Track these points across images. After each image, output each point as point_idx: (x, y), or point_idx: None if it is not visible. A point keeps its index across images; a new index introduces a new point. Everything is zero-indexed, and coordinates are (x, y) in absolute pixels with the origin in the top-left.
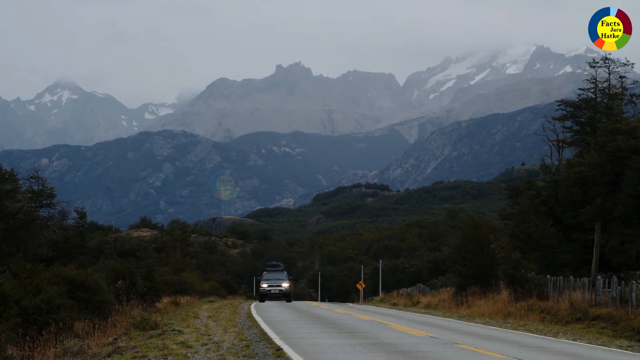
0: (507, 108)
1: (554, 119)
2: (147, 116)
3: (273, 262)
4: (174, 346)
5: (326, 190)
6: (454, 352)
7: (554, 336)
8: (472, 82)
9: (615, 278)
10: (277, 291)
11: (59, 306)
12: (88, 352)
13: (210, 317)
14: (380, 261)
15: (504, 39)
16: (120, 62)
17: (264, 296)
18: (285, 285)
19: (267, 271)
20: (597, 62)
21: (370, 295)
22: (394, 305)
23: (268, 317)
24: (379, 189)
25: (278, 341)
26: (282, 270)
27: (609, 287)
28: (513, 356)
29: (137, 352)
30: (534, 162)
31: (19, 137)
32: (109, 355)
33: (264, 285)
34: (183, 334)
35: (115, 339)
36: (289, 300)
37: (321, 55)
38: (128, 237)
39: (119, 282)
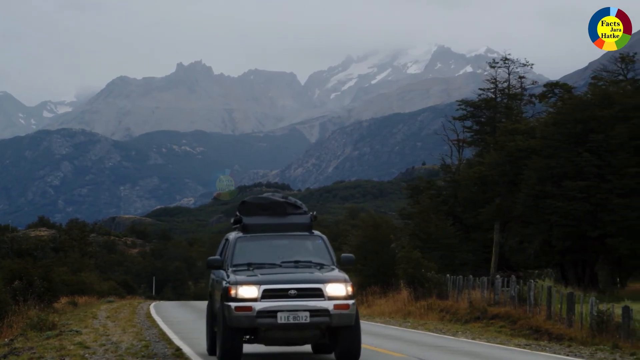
0: (408, 107)
1: (454, 118)
2: (46, 114)
3: (266, 195)
4: (72, 347)
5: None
6: None
7: (453, 335)
8: (373, 82)
9: (513, 277)
10: (305, 319)
11: None
12: None
13: (108, 317)
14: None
15: (405, 39)
16: (17, 59)
17: (231, 337)
18: (335, 289)
19: (243, 233)
20: (497, 63)
21: None
22: None
23: (167, 317)
24: (280, 188)
25: (177, 341)
26: (309, 226)
27: (507, 286)
28: (413, 355)
29: (34, 352)
30: (435, 161)
31: None
32: (4, 357)
33: (246, 292)
34: (81, 334)
35: (12, 339)
36: (351, 353)
37: (222, 54)
38: (25, 237)
39: (16, 282)
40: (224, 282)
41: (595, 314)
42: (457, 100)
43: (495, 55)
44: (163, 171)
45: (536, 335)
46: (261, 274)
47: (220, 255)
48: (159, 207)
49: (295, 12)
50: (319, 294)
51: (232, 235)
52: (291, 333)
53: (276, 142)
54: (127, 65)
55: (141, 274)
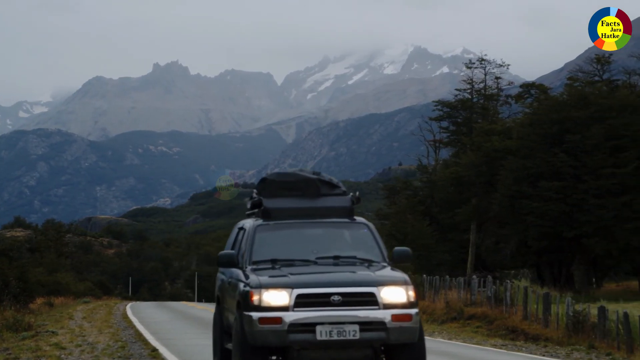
0: (385, 108)
1: (430, 119)
2: (22, 114)
3: (294, 171)
4: (48, 347)
5: (203, 190)
6: None
7: (429, 335)
8: (350, 82)
9: (490, 277)
10: (354, 335)
11: None
12: None
13: (85, 318)
14: None
15: (381, 39)
16: None
17: (253, 358)
18: (393, 293)
19: (264, 220)
20: (474, 63)
21: None
22: None
23: (144, 317)
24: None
25: (154, 342)
26: (350, 211)
27: (484, 287)
28: None
29: (10, 354)
30: (411, 162)
31: None
32: None
33: (273, 298)
34: (57, 335)
35: None
36: None
37: (199, 54)
38: (1, 237)
39: None
40: (241, 285)
41: (571, 314)
42: (433, 101)
43: (471, 56)
44: (139, 171)
45: (512, 335)
46: (292, 274)
47: (233, 249)
48: (135, 207)
49: (272, 13)
50: (371, 300)
51: (249, 223)
52: (334, 353)
53: (253, 143)
54: (103, 65)
55: (117, 275)
